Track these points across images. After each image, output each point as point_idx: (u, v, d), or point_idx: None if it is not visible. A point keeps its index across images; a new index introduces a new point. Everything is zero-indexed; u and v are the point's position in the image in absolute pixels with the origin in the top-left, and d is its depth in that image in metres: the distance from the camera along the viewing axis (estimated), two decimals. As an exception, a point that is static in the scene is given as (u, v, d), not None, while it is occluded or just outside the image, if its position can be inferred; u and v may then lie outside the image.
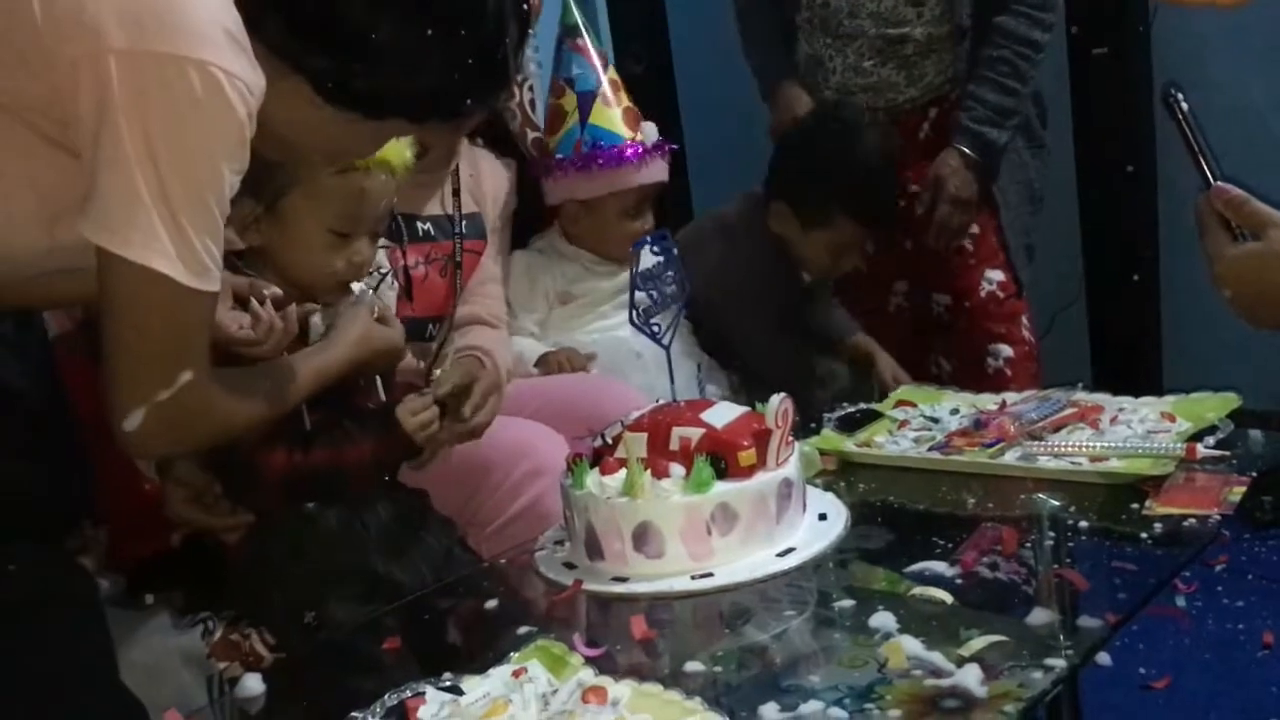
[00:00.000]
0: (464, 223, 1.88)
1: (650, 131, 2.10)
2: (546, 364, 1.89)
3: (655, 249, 1.34)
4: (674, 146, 2.15)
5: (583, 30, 2.12)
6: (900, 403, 1.76)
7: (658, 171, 2.10)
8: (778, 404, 1.32)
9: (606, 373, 1.92)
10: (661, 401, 1.41)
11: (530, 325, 2.03)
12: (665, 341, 1.37)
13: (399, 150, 1.45)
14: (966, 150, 2.21)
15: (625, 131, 2.07)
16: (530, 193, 2.08)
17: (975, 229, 2.28)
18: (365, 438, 1.44)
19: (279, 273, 1.46)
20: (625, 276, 2.04)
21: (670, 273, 1.35)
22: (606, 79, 2.09)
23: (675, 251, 1.35)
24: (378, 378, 1.53)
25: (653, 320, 1.35)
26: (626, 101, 2.11)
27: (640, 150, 2.06)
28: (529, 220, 2.12)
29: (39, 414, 1.37)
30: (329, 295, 1.48)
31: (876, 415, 1.73)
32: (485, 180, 1.95)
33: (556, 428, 1.70)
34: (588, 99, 2.07)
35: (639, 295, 1.34)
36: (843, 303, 2.36)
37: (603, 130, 2.07)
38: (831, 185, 2.15)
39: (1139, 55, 2.49)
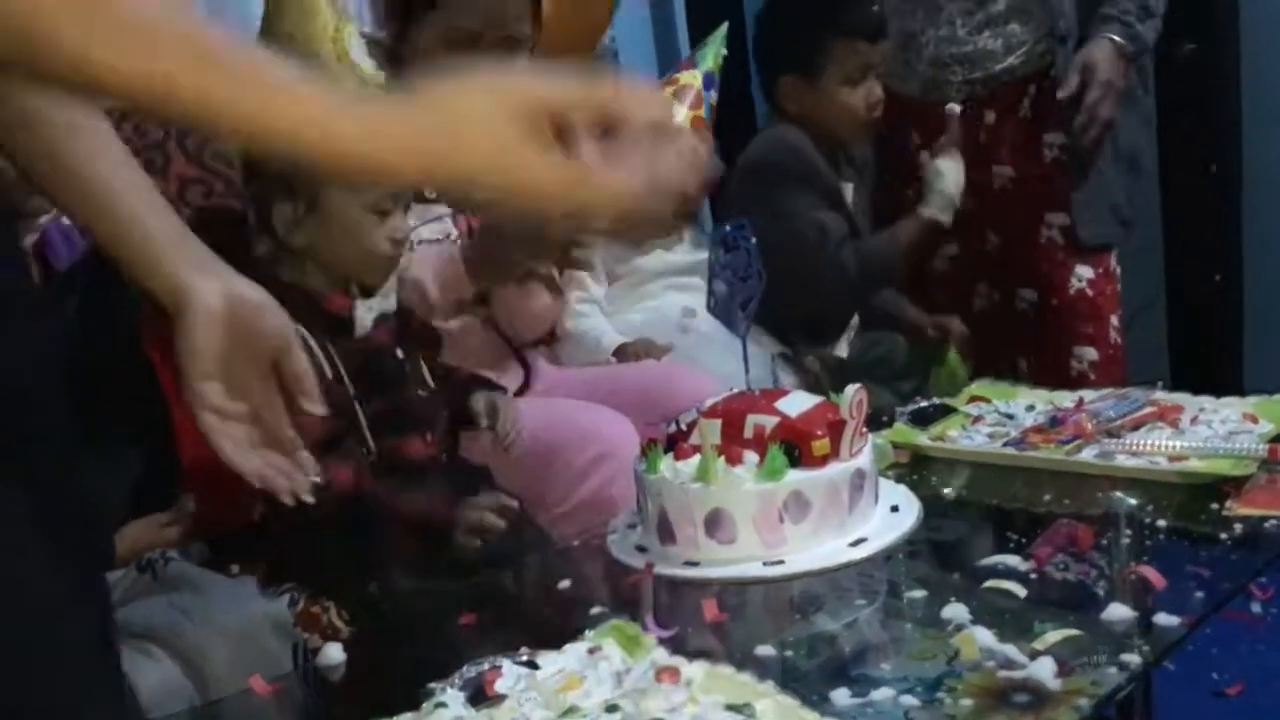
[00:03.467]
0: None
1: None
2: (624, 354, 1.91)
3: (734, 238, 1.35)
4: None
5: (695, 61, 2.13)
6: (974, 398, 1.75)
7: None
8: (852, 394, 1.32)
9: (681, 359, 1.92)
10: (736, 390, 1.42)
11: (600, 294, 2.03)
12: (741, 332, 1.38)
13: None
14: (1117, 39, 2.14)
15: None
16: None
17: (1063, 219, 2.23)
18: (425, 494, 1.46)
19: (326, 268, 1.49)
20: (667, 256, 2.08)
21: (748, 263, 1.35)
22: (674, 75, 2.10)
23: (754, 241, 1.36)
24: (422, 363, 1.56)
25: (730, 309, 1.36)
26: (670, 96, 2.08)
27: None
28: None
29: (131, 388, 1.42)
30: (377, 277, 1.52)
31: (950, 410, 1.72)
32: None
33: (629, 414, 1.72)
34: None
35: (717, 284, 1.34)
36: (925, 307, 2.33)
37: None
38: (811, 21, 2.15)
39: (1226, 52, 2.45)
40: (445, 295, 1.67)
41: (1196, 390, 1.62)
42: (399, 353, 1.56)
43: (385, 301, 1.55)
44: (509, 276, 1.73)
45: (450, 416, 1.58)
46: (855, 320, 2.34)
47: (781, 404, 1.35)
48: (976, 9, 2.19)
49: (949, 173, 2.14)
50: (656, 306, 2.03)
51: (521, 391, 1.83)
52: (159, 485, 1.47)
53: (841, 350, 2.26)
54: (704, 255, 2.03)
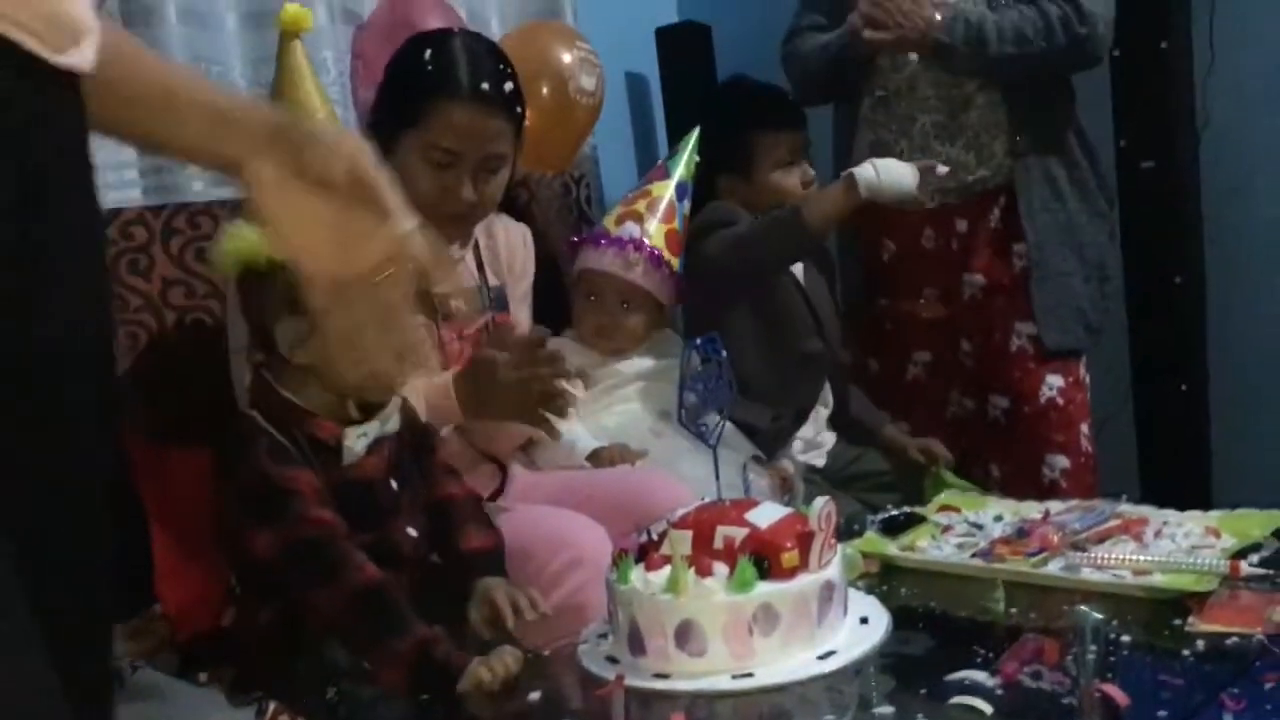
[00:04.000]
0: (490, 295, 1.90)
1: (633, 231, 2.12)
2: (599, 459, 1.92)
3: (705, 351, 1.38)
4: (662, 259, 2.14)
5: (668, 170, 2.20)
6: (944, 508, 1.78)
7: (614, 264, 2.11)
8: (821, 506, 1.34)
9: (654, 464, 1.94)
10: (707, 499, 1.44)
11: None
12: (712, 442, 1.41)
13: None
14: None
15: (610, 225, 2.14)
16: (549, 263, 2.14)
17: (1033, 329, 2.27)
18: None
19: (327, 384, 1.48)
20: (640, 362, 2.11)
21: (718, 375, 1.38)
22: (646, 187, 2.15)
23: (724, 354, 1.39)
24: (415, 494, 1.55)
25: (700, 420, 1.38)
26: (639, 208, 2.14)
27: (616, 241, 2.10)
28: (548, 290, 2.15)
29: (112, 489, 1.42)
30: (380, 394, 1.51)
31: (920, 519, 1.74)
32: (501, 248, 1.96)
33: (602, 520, 1.72)
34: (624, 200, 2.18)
35: (687, 396, 1.37)
36: (899, 415, 2.36)
37: (600, 225, 2.19)
38: (737, 122, 2.28)
39: (1188, 169, 2.52)
40: (435, 421, 1.68)
41: (1164, 503, 1.65)
42: (392, 483, 1.53)
43: (384, 426, 1.53)
44: (502, 415, 1.74)
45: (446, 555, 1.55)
46: (833, 438, 2.35)
47: (751, 515, 1.36)
48: (949, 121, 2.26)
49: (891, 165, 2.14)
50: (630, 410, 2.05)
51: (495, 496, 1.84)
52: (129, 593, 1.46)
53: (819, 460, 2.28)
54: (667, 363, 2.09)
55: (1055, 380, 2.28)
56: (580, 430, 1.97)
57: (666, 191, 2.15)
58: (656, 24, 3.21)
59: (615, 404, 2.05)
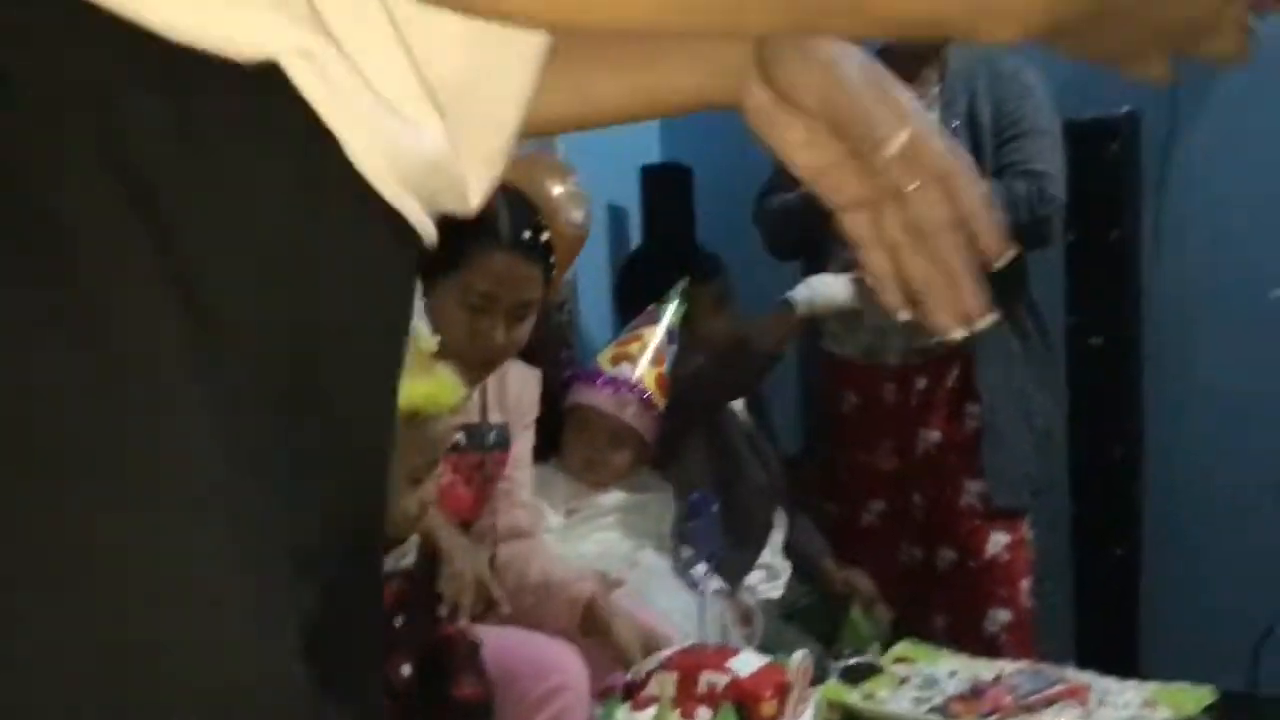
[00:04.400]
0: (493, 434, 1.96)
1: (627, 372, 2.23)
2: (576, 589, 2.01)
3: (698, 506, 1.49)
4: (652, 401, 2.23)
5: (657, 315, 2.32)
6: (899, 659, 1.88)
7: (608, 403, 2.20)
8: (800, 660, 1.45)
9: (629, 594, 2.03)
10: (690, 643, 1.54)
11: (557, 525, 2.15)
12: (701, 589, 1.51)
13: (453, 391, 1.56)
14: None
15: (604, 365, 2.26)
16: (553, 403, 2.24)
17: (982, 486, 2.41)
18: None
19: None
20: (620, 496, 2.22)
21: (710, 528, 1.49)
22: (638, 331, 2.28)
23: (716, 511, 1.50)
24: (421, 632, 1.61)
25: (692, 570, 1.49)
26: (631, 350, 2.26)
27: (611, 382, 2.21)
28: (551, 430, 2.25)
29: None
30: (402, 535, 1.57)
31: (878, 669, 1.84)
32: (511, 388, 2.03)
33: (582, 648, 1.80)
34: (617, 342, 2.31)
35: (683, 549, 1.48)
36: (852, 560, 2.47)
37: (594, 364, 2.30)
38: (664, 276, 2.45)
39: (1132, 347, 2.72)
40: None
41: (1099, 665, 1.77)
42: (397, 620, 1.58)
43: (399, 562, 1.58)
44: None
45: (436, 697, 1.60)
46: (789, 569, 2.46)
47: (733, 663, 1.47)
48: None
49: (825, 281, 2.35)
50: (607, 539, 2.15)
51: (481, 617, 1.91)
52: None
53: (776, 591, 2.38)
54: (644, 497, 2.20)
55: (1001, 537, 2.41)
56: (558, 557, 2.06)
57: (656, 337, 2.27)
58: (640, 162, 3.39)
59: (593, 533, 2.15)
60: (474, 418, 1.93)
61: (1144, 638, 2.63)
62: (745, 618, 2.18)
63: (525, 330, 1.91)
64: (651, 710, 1.41)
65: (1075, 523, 2.71)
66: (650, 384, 2.23)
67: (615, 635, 1.72)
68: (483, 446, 1.93)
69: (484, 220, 1.85)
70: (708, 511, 1.49)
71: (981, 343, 2.42)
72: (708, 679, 1.44)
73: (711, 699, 1.42)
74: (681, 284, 2.39)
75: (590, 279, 3.15)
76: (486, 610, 1.64)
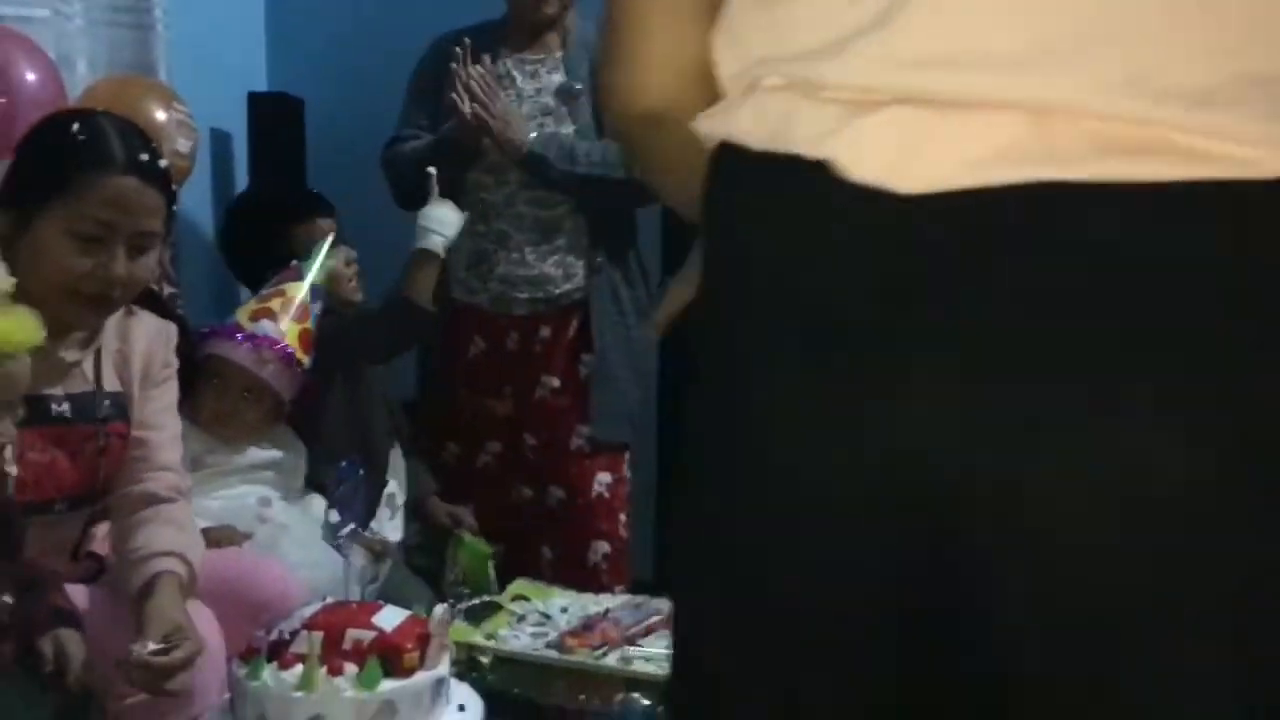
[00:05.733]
0: (106, 403, 1.81)
1: (269, 329, 2.22)
2: (205, 539, 1.99)
3: (345, 474, 1.57)
4: (294, 358, 2.24)
5: (301, 272, 2.30)
6: (516, 596, 2.06)
7: (246, 358, 2.19)
8: (441, 613, 1.57)
9: (258, 547, 2.05)
10: (330, 600, 1.62)
11: None
12: (346, 554, 1.59)
13: (28, 331, 1.48)
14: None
15: (242, 320, 2.24)
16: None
17: (590, 431, 2.63)
18: None
19: None
20: (253, 452, 2.23)
21: (354, 495, 1.58)
22: (280, 286, 2.26)
23: (362, 476, 1.59)
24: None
25: (338, 535, 1.57)
26: (273, 306, 2.24)
27: (251, 337, 2.20)
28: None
29: None
30: None
31: (498, 607, 2.01)
32: (137, 347, 1.89)
33: (209, 603, 1.80)
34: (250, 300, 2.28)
35: (330, 514, 1.55)
36: (467, 497, 2.62)
37: (232, 318, 2.27)
38: (270, 218, 2.60)
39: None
40: None
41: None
42: None
43: None
44: None
45: (28, 625, 1.54)
46: (400, 500, 2.57)
47: (377, 618, 1.57)
48: (541, 239, 2.58)
49: (446, 217, 2.45)
50: (235, 494, 2.14)
51: (95, 578, 1.87)
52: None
53: (395, 533, 2.48)
54: (278, 454, 2.22)
55: (604, 477, 2.65)
56: (186, 510, 2.04)
57: (300, 292, 2.25)
58: (248, 89, 3.28)
59: (221, 489, 2.14)
60: (86, 387, 1.79)
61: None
62: (377, 555, 2.26)
63: (148, 265, 1.78)
64: (298, 669, 1.48)
65: (661, 457, 2.99)
66: (293, 340, 2.22)
67: (145, 618, 1.63)
68: (93, 418, 1.79)
69: (94, 144, 1.74)
70: (355, 477, 1.57)
71: (597, 292, 2.62)
72: (353, 635, 1.53)
73: (358, 654, 1.51)
74: (328, 239, 2.39)
75: (193, 206, 3.04)
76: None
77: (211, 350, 2.22)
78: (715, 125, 0.77)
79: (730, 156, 0.75)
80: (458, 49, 2.52)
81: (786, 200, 0.71)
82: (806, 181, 0.69)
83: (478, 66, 2.52)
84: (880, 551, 0.68)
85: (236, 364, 2.19)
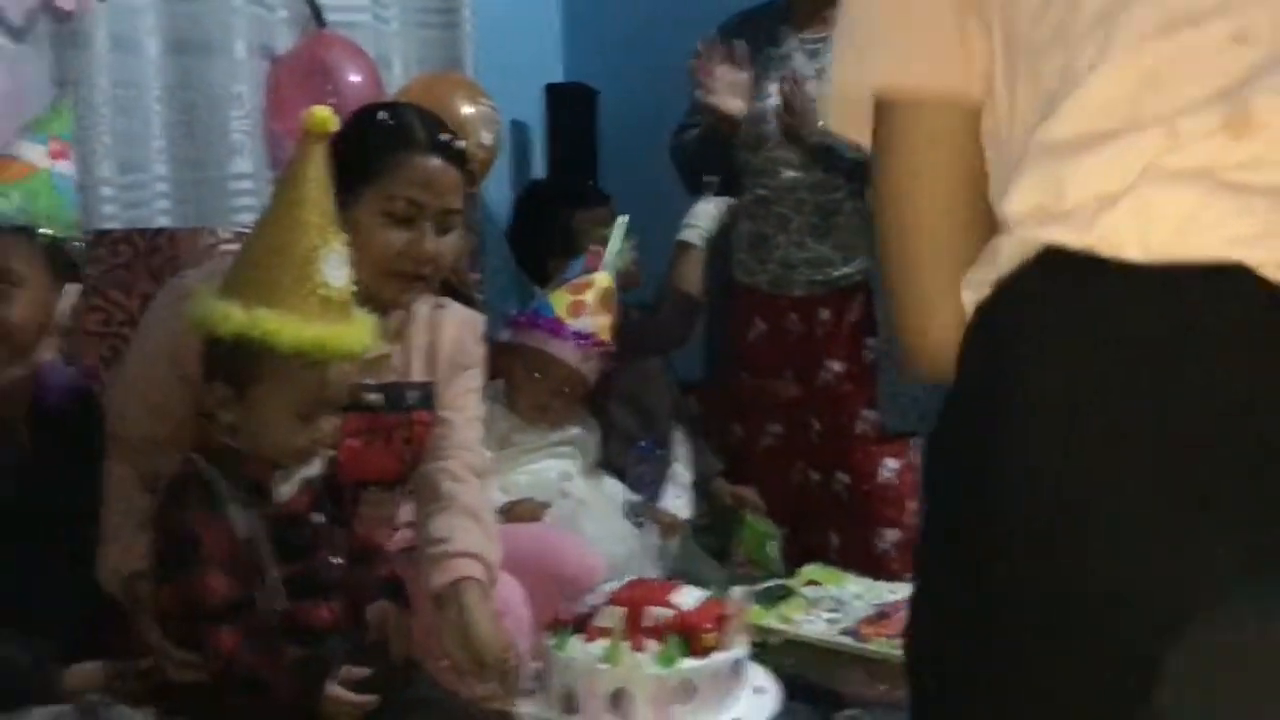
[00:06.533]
0: (414, 394, 1.89)
1: (588, 325, 2.28)
2: (509, 513, 2.10)
3: (645, 453, 1.61)
4: (605, 345, 2.30)
5: (605, 260, 2.36)
6: (809, 581, 2.05)
7: (573, 356, 2.26)
8: (739, 594, 1.59)
9: (558, 520, 2.14)
10: (631, 577, 1.66)
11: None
12: (645, 529, 1.63)
13: (362, 336, 1.59)
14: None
15: (563, 314, 2.29)
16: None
17: (875, 415, 2.58)
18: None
19: (248, 445, 1.58)
20: (559, 432, 2.32)
21: (655, 475, 1.61)
22: (590, 277, 2.32)
23: (660, 455, 1.62)
24: (336, 530, 1.68)
25: (639, 513, 1.61)
26: (587, 299, 2.30)
27: (577, 335, 2.26)
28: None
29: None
30: (293, 464, 1.60)
31: (790, 591, 2.01)
32: (446, 335, 1.95)
33: (517, 573, 1.89)
34: (559, 284, 2.33)
35: (628, 494, 1.59)
36: (750, 479, 2.62)
37: (548, 305, 2.32)
38: (556, 210, 2.68)
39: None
40: None
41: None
42: (317, 517, 1.65)
43: (308, 469, 1.63)
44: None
45: (356, 590, 1.66)
46: (690, 478, 2.60)
47: (675, 598, 1.60)
48: (821, 223, 2.56)
49: (706, 210, 2.55)
50: (539, 469, 2.24)
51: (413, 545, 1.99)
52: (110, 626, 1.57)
53: (684, 511, 2.52)
54: (577, 430, 2.30)
55: (892, 463, 2.59)
56: (491, 485, 2.15)
57: (609, 283, 2.31)
58: (546, 81, 3.41)
59: (528, 464, 2.24)
60: (395, 378, 1.89)
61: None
62: (669, 530, 2.30)
63: (452, 242, 1.87)
64: (603, 642, 1.54)
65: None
66: (606, 334, 2.29)
67: (473, 633, 1.65)
68: (401, 407, 1.88)
69: (399, 129, 1.84)
70: (653, 457, 1.60)
71: (878, 276, 2.56)
72: (654, 613, 1.57)
73: (658, 631, 1.55)
74: (622, 221, 2.45)
75: (494, 196, 3.18)
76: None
77: (534, 344, 2.27)
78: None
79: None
80: (700, 44, 2.55)
81: None
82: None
83: (725, 66, 2.53)
84: None
85: (563, 361, 2.26)
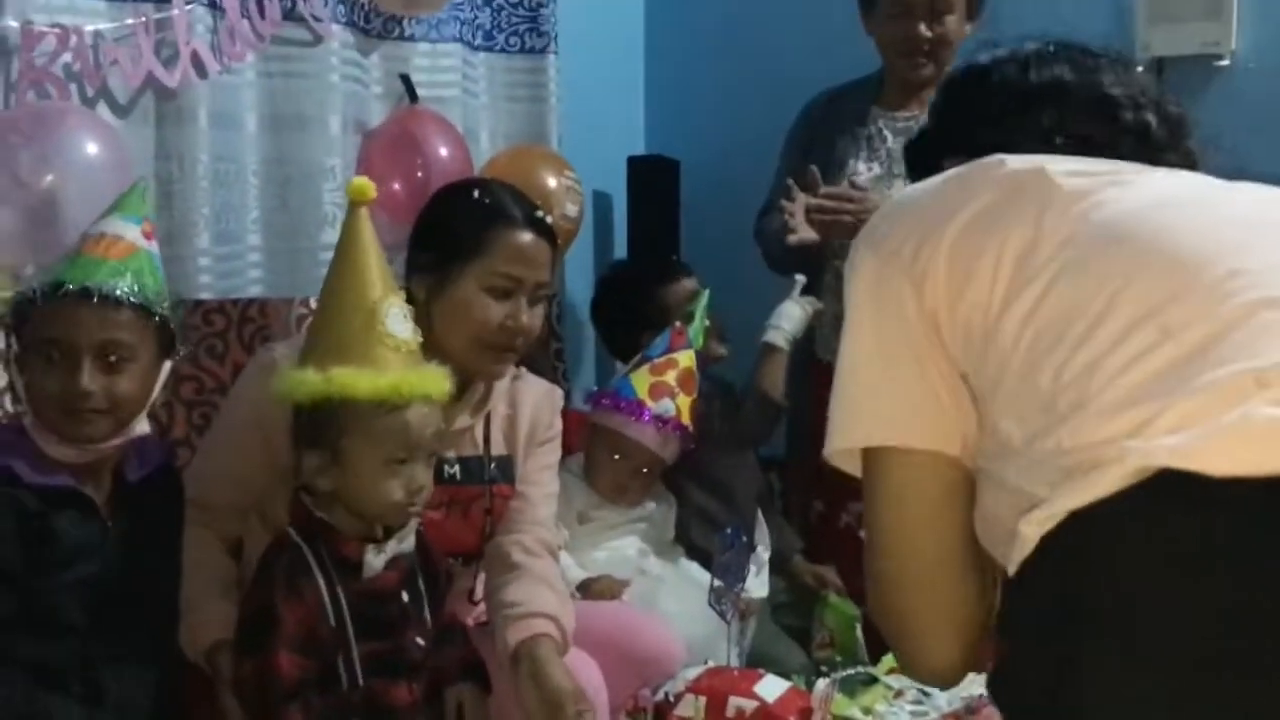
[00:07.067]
0: (494, 466, 1.92)
1: (669, 408, 2.28)
2: (588, 589, 2.09)
3: (731, 540, 1.59)
4: (685, 427, 2.31)
5: (690, 319, 2.40)
6: (891, 669, 2.00)
7: (652, 440, 2.27)
8: (823, 688, 1.56)
9: (637, 597, 2.12)
10: (711, 664, 1.64)
11: (565, 537, 2.22)
12: (729, 619, 1.61)
13: (438, 381, 1.63)
14: None
15: (645, 396, 2.28)
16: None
17: None
18: None
19: (349, 509, 1.62)
20: (637, 509, 2.31)
21: (739, 561, 1.59)
22: (673, 356, 2.32)
23: (746, 543, 1.60)
24: (426, 608, 1.68)
25: (723, 601, 1.59)
26: (670, 380, 2.30)
27: (658, 420, 2.26)
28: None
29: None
30: (394, 520, 1.64)
31: (873, 679, 1.97)
32: (525, 409, 1.97)
33: (594, 652, 1.86)
34: (641, 363, 2.33)
35: (715, 581, 1.58)
36: (829, 557, 2.57)
37: (630, 386, 2.31)
38: (640, 292, 2.65)
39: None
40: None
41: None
42: (404, 595, 1.67)
43: (400, 545, 1.66)
44: None
45: (437, 671, 1.68)
46: (765, 558, 2.57)
47: (759, 688, 1.58)
48: None
49: (791, 312, 2.50)
50: (618, 547, 2.24)
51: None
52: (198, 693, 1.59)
53: (761, 589, 2.49)
54: (652, 506, 2.29)
55: None
56: (569, 561, 2.14)
57: (691, 362, 2.32)
58: (628, 153, 3.44)
59: (606, 541, 2.24)
60: (475, 451, 1.91)
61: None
62: (744, 613, 2.27)
63: (541, 315, 1.92)
64: (682, 731, 1.52)
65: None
66: (686, 416, 2.29)
67: (548, 684, 1.66)
68: (481, 480, 1.90)
69: (497, 207, 1.89)
70: (740, 544, 1.59)
71: None
72: (736, 703, 1.55)
73: (739, 722, 1.53)
74: (703, 297, 2.47)
75: (576, 267, 3.21)
76: None
77: (615, 426, 2.28)
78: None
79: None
80: (790, 182, 2.49)
81: None
82: None
83: (803, 196, 2.46)
84: None
85: (642, 445, 2.26)
